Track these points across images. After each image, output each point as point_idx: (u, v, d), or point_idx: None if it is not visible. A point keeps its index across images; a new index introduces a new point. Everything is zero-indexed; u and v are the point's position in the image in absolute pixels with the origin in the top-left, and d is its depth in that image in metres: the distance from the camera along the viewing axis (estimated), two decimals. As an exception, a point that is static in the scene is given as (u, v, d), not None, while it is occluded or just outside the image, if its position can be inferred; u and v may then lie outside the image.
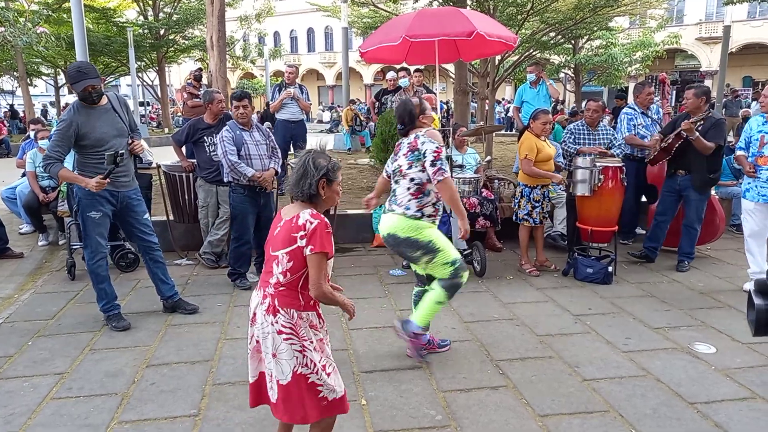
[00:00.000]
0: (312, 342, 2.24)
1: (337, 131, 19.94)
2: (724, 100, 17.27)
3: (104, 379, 3.37)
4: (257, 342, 2.28)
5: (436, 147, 3.40)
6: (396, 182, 3.54)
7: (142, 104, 22.59)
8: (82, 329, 4.11)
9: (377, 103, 9.03)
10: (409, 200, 3.43)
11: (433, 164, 3.36)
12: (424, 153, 3.39)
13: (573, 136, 5.79)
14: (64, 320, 4.29)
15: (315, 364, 2.22)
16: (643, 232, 6.52)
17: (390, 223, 3.49)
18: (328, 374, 2.26)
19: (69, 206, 5.58)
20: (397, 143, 3.68)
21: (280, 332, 2.20)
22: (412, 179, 3.43)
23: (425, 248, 3.42)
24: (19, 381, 3.36)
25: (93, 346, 3.84)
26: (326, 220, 2.21)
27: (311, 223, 2.15)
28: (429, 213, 3.46)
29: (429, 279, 3.63)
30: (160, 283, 4.36)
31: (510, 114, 20.11)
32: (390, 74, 9.09)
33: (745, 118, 10.94)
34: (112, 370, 3.48)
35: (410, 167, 3.44)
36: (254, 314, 2.30)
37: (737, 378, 3.36)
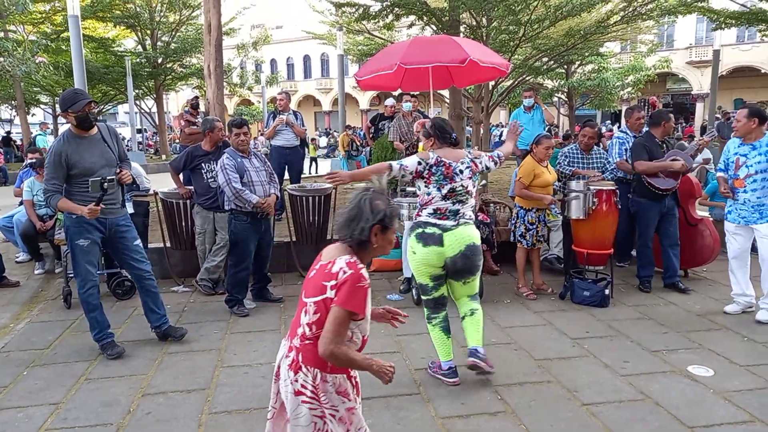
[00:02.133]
0: (337, 411, 1.94)
1: (334, 156, 20.05)
2: (717, 123, 17.48)
3: (100, 409, 3.34)
4: (282, 403, 2.01)
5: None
6: (461, 202, 3.64)
7: (139, 131, 22.71)
8: (77, 358, 4.08)
9: (372, 128, 9.13)
10: (471, 215, 3.72)
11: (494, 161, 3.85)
12: (486, 166, 3.80)
13: (567, 159, 5.85)
14: (60, 349, 4.27)
15: None
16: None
17: (472, 232, 3.64)
18: None
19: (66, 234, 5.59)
20: (435, 160, 3.61)
21: (298, 393, 1.91)
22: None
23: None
24: (13, 412, 3.33)
25: (88, 375, 3.81)
26: (364, 273, 1.88)
27: (344, 272, 1.85)
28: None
29: (441, 303, 3.71)
30: (149, 312, 4.34)
31: (504, 138, 20.27)
32: (389, 101, 9.23)
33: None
34: (107, 400, 3.45)
35: (474, 186, 3.74)
36: (278, 368, 2.02)
37: (735, 401, 3.35)
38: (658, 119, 5.54)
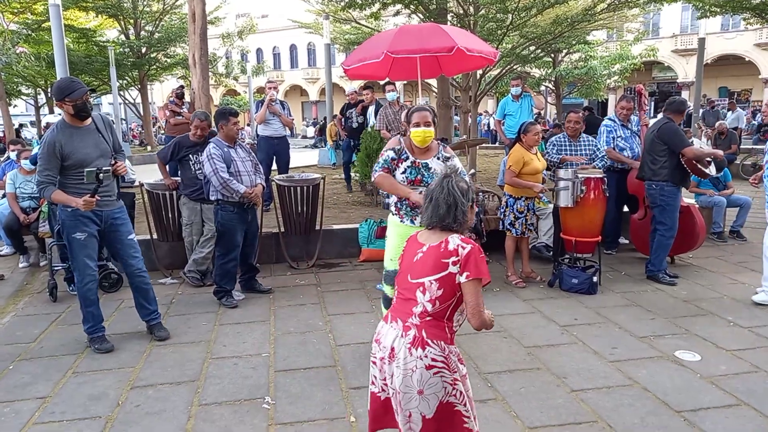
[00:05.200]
0: (463, 375, 2.12)
1: (322, 146, 19.97)
2: (702, 111, 17.63)
3: (87, 403, 3.31)
4: (395, 381, 2.09)
5: (382, 152, 3.72)
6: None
7: (123, 120, 22.47)
8: (64, 352, 4.03)
9: (342, 117, 9.19)
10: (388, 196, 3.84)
11: (374, 169, 3.71)
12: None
13: (556, 148, 5.86)
14: (46, 343, 4.21)
15: (464, 396, 2.10)
16: (626, 241, 6.60)
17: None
18: (473, 407, 2.15)
19: (50, 227, 5.52)
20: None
21: (430, 367, 2.04)
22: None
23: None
24: (0, 406, 3.29)
25: (76, 369, 3.77)
26: (478, 244, 2.10)
27: (464, 248, 2.05)
28: (393, 212, 3.75)
29: None
30: (139, 307, 4.29)
31: (492, 127, 20.31)
32: (349, 88, 9.30)
33: (720, 132, 11.12)
34: (95, 393, 3.42)
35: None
36: (392, 349, 2.10)
37: (722, 385, 3.39)
38: (681, 107, 5.45)
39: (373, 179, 3.70)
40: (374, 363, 2.21)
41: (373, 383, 2.23)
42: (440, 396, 2.05)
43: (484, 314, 2.07)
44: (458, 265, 2.04)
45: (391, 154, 3.64)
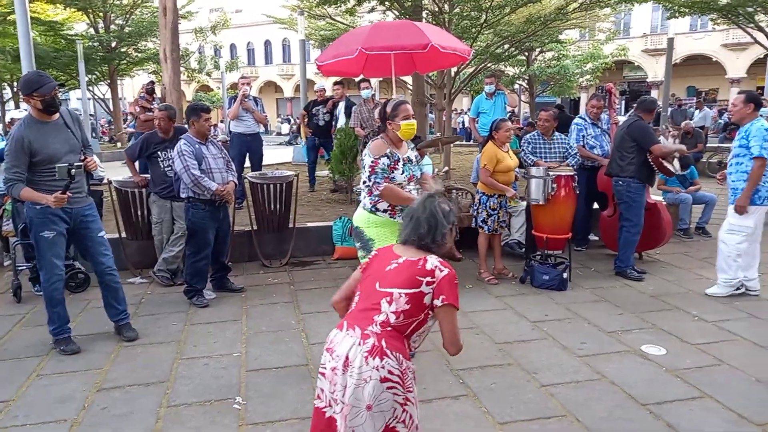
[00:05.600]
0: (415, 396, 2.05)
1: (296, 143, 19.83)
2: (670, 109, 18.00)
3: (53, 406, 3.23)
4: (345, 393, 1.98)
5: (372, 161, 3.55)
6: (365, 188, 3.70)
7: (92, 115, 21.97)
8: (29, 354, 3.94)
9: (306, 114, 9.06)
10: (365, 197, 3.66)
11: (369, 179, 3.55)
12: (364, 167, 3.60)
13: (531, 146, 5.92)
14: (10, 345, 4.11)
15: (413, 421, 2.03)
16: (596, 238, 6.71)
17: (356, 213, 3.73)
18: None
19: (14, 226, 5.37)
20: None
21: (384, 379, 1.95)
22: (364, 180, 3.64)
23: (364, 243, 3.64)
24: (-40, 411, 3.20)
25: (40, 371, 3.68)
26: (454, 270, 2.10)
27: (441, 270, 2.03)
28: (384, 208, 3.61)
29: None
30: (108, 306, 4.21)
31: (467, 125, 20.44)
32: (318, 85, 9.21)
33: (687, 131, 11.36)
34: (61, 396, 3.34)
35: (363, 169, 3.68)
36: (347, 358, 1.99)
37: (687, 378, 3.48)
38: (651, 105, 5.59)
39: (377, 192, 3.52)
40: (323, 375, 2.09)
41: (319, 397, 2.12)
42: (387, 417, 1.96)
43: (461, 341, 2.09)
44: (432, 287, 2.02)
45: (386, 161, 3.53)
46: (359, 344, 1.99)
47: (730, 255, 4.84)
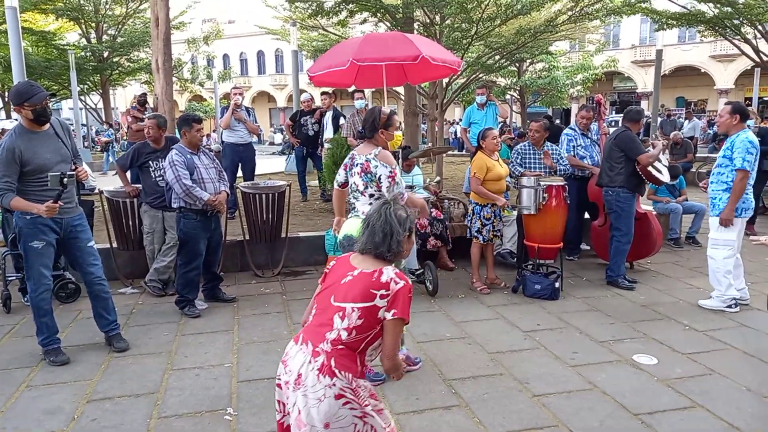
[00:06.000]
0: (375, 408, 1.99)
1: (290, 153, 19.84)
2: (660, 120, 18.18)
3: (42, 417, 3.20)
4: (299, 411, 1.93)
5: (390, 171, 3.53)
6: (355, 198, 3.65)
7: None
8: (17, 365, 3.90)
9: (292, 124, 9.06)
10: (363, 205, 3.57)
11: (389, 190, 3.51)
12: (379, 178, 3.52)
13: (520, 157, 5.96)
14: (-1, 356, 4.07)
15: (384, 429, 1.99)
16: (587, 248, 6.74)
17: (351, 225, 3.59)
18: None
19: (4, 235, 5.33)
20: (350, 155, 3.74)
21: (339, 396, 1.91)
22: (371, 195, 3.57)
23: None
24: (-54, 424, 3.16)
25: (30, 382, 3.64)
26: (409, 282, 2.03)
27: (396, 283, 1.96)
28: None
29: None
30: (97, 317, 4.18)
31: (459, 135, 20.54)
32: (304, 96, 9.22)
33: (676, 142, 11.47)
34: (50, 408, 3.31)
35: (366, 187, 3.57)
36: (299, 375, 1.94)
37: (678, 388, 3.49)
38: (637, 116, 5.65)
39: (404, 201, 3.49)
40: (279, 386, 2.07)
41: (278, 410, 2.09)
42: None
43: (398, 358, 2.00)
44: (386, 300, 1.95)
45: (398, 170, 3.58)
46: (310, 362, 1.94)
47: (719, 270, 4.85)
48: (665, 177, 5.63)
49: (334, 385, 1.91)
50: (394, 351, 1.98)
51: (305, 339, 2.01)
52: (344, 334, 1.95)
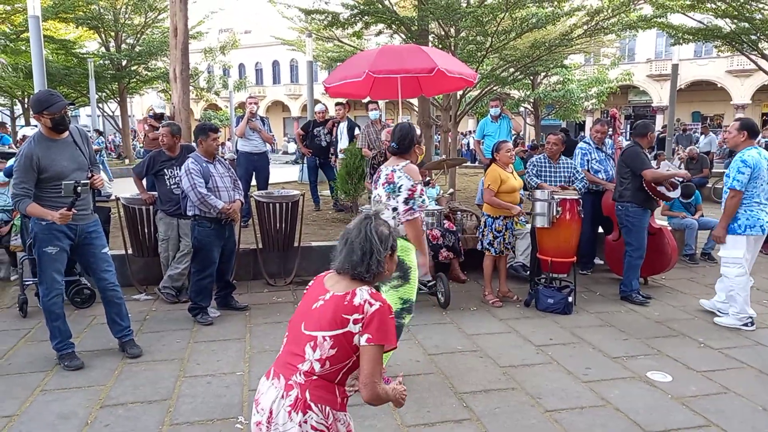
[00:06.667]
0: None
1: (303, 162, 19.94)
2: (676, 134, 18.06)
3: (56, 422, 3.23)
4: None
5: (412, 185, 3.54)
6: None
7: (101, 133, 22.09)
8: (33, 369, 3.94)
9: (304, 134, 9.10)
10: (398, 225, 3.54)
11: (405, 202, 3.51)
12: (399, 188, 3.54)
13: (535, 169, 5.95)
14: (14, 360, 4.11)
15: None
16: (601, 262, 6.70)
17: None
18: None
19: (22, 240, 5.42)
20: (378, 169, 3.80)
21: None
22: (394, 209, 3.57)
23: (403, 272, 3.47)
24: (-38, 426, 3.20)
25: (44, 386, 3.68)
26: (388, 301, 1.83)
27: (371, 305, 1.76)
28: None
29: None
30: (111, 323, 4.22)
31: (472, 147, 20.54)
32: (318, 107, 9.27)
33: (692, 157, 11.38)
34: (64, 412, 3.34)
35: (389, 198, 3.59)
36: (270, 412, 1.79)
37: (692, 406, 3.45)
38: (644, 130, 5.60)
39: (412, 217, 3.50)
40: (252, 428, 1.92)
41: None
42: None
43: (379, 387, 1.77)
44: (360, 324, 1.76)
45: (421, 187, 3.61)
46: (282, 397, 1.79)
47: (732, 289, 4.81)
48: (674, 193, 5.57)
49: (305, 422, 1.75)
50: (371, 379, 1.75)
51: (276, 373, 1.86)
52: (317, 366, 1.78)
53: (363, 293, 1.80)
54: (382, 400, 1.81)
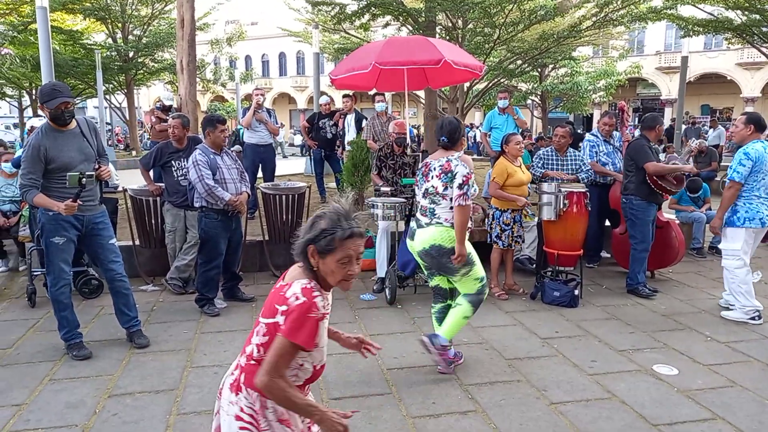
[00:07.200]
0: None
1: (309, 155, 19.94)
2: (684, 128, 17.92)
3: (64, 411, 3.26)
4: (219, 425, 1.87)
5: (467, 172, 3.65)
6: (433, 202, 3.71)
7: (109, 124, 22.19)
8: (41, 358, 3.98)
9: (309, 126, 9.07)
10: (439, 212, 3.68)
11: (460, 187, 3.60)
12: (455, 175, 3.62)
13: (542, 161, 5.93)
14: (23, 349, 4.15)
15: None
16: (608, 255, 6.67)
17: (432, 234, 3.67)
18: None
19: (31, 231, 5.45)
20: (423, 163, 3.89)
21: (238, 417, 1.78)
22: (451, 198, 3.64)
23: (467, 260, 3.64)
24: (-27, 414, 3.23)
25: (53, 376, 3.72)
26: (318, 301, 1.73)
27: (297, 299, 1.72)
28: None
29: (451, 294, 3.87)
30: (119, 313, 4.25)
31: (479, 139, 20.48)
32: (323, 99, 9.24)
33: (700, 150, 11.29)
34: (72, 401, 3.37)
35: (446, 188, 3.66)
36: (222, 385, 1.89)
37: (699, 399, 3.44)
38: (652, 123, 5.57)
39: (465, 203, 3.59)
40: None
41: (214, 419, 2.00)
42: None
43: (273, 380, 1.70)
44: (284, 316, 1.73)
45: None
46: (231, 374, 1.85)
47: (734, 281, 4.81)
48: (678, 187, 5.52)
49: (236, 403, 1.78)
50: (268, 367, 1.71)
51: (241, 352, 1.89)
52: (255, 351, 1.79)
53: (296, 287, 1.75)
54: (275, 397, 1.74)
